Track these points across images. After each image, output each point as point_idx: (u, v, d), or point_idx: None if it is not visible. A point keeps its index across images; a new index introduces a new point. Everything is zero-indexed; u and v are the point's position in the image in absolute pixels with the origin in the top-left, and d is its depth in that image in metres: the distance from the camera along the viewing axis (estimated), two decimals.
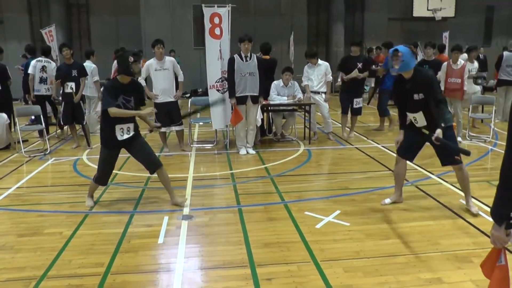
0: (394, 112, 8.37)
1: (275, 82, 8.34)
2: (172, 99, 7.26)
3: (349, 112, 8.77)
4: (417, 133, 4.69)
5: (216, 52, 6.92)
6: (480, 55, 16.55)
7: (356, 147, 7.89)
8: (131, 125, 4.74)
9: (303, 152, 7.56)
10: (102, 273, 3.44)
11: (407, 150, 4.87)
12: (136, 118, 4.80)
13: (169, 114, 7.20)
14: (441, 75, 8.23)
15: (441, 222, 4.47)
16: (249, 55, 7.11)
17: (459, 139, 8.07)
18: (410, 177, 6.03)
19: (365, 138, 8.70)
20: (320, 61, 8.56)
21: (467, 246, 3.91)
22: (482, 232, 4.21)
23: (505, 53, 11.20)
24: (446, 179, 5.92)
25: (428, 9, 18.20)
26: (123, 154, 5.01)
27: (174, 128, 7.39)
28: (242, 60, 7.07)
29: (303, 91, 8.45)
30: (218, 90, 7.04)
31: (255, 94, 7.21)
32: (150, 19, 16.68)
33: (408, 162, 5.07)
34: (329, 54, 18.41)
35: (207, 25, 6.84)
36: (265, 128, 8.85)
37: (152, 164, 4.82)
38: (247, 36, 7.04)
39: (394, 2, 18.75)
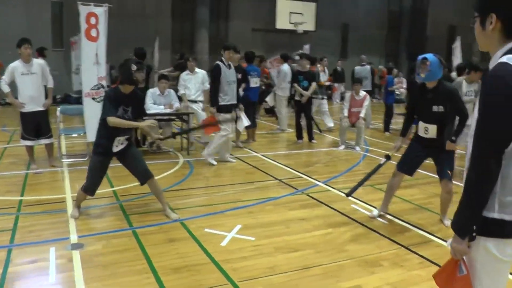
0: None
1: (150, 90, 7.91)
2: (41, 108, 6.36)
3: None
4: (422, 147, 4.63)
5: (93, 56, 6.25)
6: (338, 68, 18.10)
7: (236, 157, 7.83)
8: (126, 136, 4.65)
9: (184, 164, 7.25)
10: None
11: (411, 166, 4.75)
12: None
13: (37, 125, 6.30)
14: (345, 104, 8.99)
15: (341, 229, 4.60)
16: (231, 64, 7.20)
17: (357, 148, 8.70)
18: (299, 185, 6.16)
19: (244, 148, 8.68)
20: (197, 69, 8.37)
21: (372, 251, 4.07)
22: (382, 235, 4.44)
23: (357, 67, 12.40)
24: (333, 185, 6.17)
25: (290, 22, 19.24)
26: None
27: (43, 141, 6.48)
28: (227, 67, 7.06)
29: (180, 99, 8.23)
30: (94, 99, 6.36)
31: (235, 102, 7.31)
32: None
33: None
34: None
35: (83, 26, 6.14)
36: (139, 138, 8.32)
37: (143, 174, 4.72)
38: (232, 44, 7.21)
39: (258, 14, 19.43)
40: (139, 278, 3.44)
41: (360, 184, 4.79)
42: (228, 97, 7.11)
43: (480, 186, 1.79)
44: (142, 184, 4.78)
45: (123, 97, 4.53)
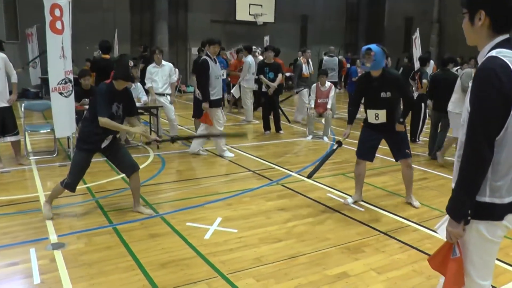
0: None
1: None
2: (6, 104, 6.09)
3: None
4: (374, 133, 4.92)
5: (58, 50, 6.02)
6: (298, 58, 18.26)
7: (206, 149, 7.82)
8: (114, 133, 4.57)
9: (155, 159, 7.17)
10: None
11: (368, 152, 5.03)
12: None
13: (2, 122, 6.04)
14: (311, 95, 9.09)
15: (320, 217, 4.71)
16: (215, 57, 7.18)
17: (325, 138, 8.86)
18: (273, 176, 6.24)
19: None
20: (164, 62, 8.28)
21: (353, 237, 4.19)
22: (360, 222, 4.57)
23: (325, 57, 12.54)
24: (306, 175, 6.27)
25: (250, 14, 19.22)
26: None
27: (9, 139, 6.21)
28: (213, 62, 7.06)
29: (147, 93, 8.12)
30: (61, 93, 6.14)
31: (221, 96, 7.42)
32: None
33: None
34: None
35: (48, 18, 5.89)
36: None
37: (130, 167, 4.66)
38: (217, 39, 7.17)
39: (217, 5, 19.30)
40: (127, 275, 3.40)
41: (318, 167, 5.01)
42: (216, 91, 7.10)
43: (474, 172, 1.91)
44: (128, 176, 4.70)
45: (117, 94, 4.40)
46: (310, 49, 20.85)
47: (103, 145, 4.51)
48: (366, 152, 5.04)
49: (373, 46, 4.60)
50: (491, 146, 1.89)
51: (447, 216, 2.07)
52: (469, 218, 1.97)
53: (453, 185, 2.05)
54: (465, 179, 1.94)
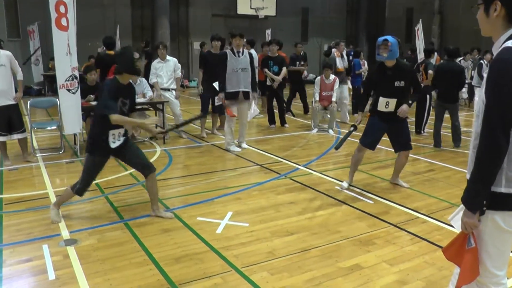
0: None
1: None
2: (12, 102, 6.09)
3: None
4: (381, 123, 5.12)
5: (64, 46, 6.01)
6: (301, 52, 18.18)
7: (212, 144, 7.82)
8: (122, 130, 4.30)
9: (162, 154, 7.18)
10: None
11: (372, 141, 5.25)
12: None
13: (9, 119, 6.04)
14: (316, 88, 9.05)
15: (330, 210, 4.72)
16: (241, 50, 7.10)
17: (331, 131, 8.86)
18: (280, 169, 6.24)
19: (219, 134, 8.65)
20: (168, 57, 8.26)
21: (364, 230, 4.20)
22: (370, 214, 4.58)
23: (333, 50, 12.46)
24: (314, 168, 6.29)
25: (251, 8, 19.14)
26: None
27: (16, 136, 6.21)
28: (235, 55, 7.02)
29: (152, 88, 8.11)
30: (69, 90, 6.13)
31: (247, 90, 7.18)
32: None
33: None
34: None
35: (53, 15, 5.88)
36: None
37: (147, 167, 4.44)
38: (238, 31, 7.17)
39: None
40: (142, 271, 3.41)
41: (344, 140, 5.22)
42: (233, 83, 7.08)
43: (490, 162, 1.91)
44: (146, 177, 4.45)
45: (122, 88, 4.20)
46: (310, 41, 20.68)
47: (114, 145, 4.25)
48: (371, 141, 5.24)
49: (389, 37, 4.85)
50: (507, 136, 1.89)
51: (461, 207, 2.08)
52: (484, 208, 1.98)
53: (468, 175, 2.06)
54: (480, 169, 1.94)
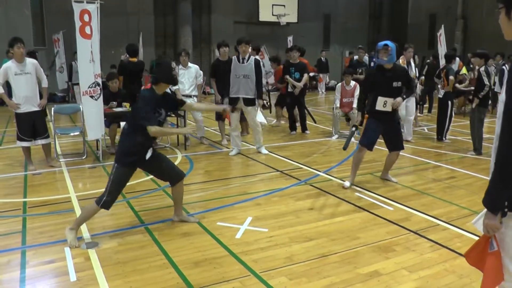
0: None
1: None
2: (37, 108, 6.25)
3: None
4: (378, 124, 5.48)
5: (88, 54, 6.16)
6: (322, 58, 18.17)
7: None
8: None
9: (183, 160, 7.24)
10: None
11: (371, 142, 5.57)
12: None
13: (33, 125, 6.20)
14: (336, 95, 9.10)
15: (350, 217, 4.69)
16: (246, 57, 7.22)
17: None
18: (300, 176, 6.23)
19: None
20: (190, 64, 8.35)
21: (383, 236, 4.16)
22: (390, 221, 4.53)
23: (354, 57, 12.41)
24: (334, 175, 6.26)
25: (273, 14, 19.25)
26: None
27: (40, 142, 6.37)
28: (239, 61, 7.22)
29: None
30: (92, 97, 6.28)
31: (249, 96, 7.26)
32: None
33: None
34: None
35: (77, 24, 6.04)
36: None
37: (176, 175, 4.39)
38: (244, 38, 7.32)
39: (240, 7, 19.40)
40: (161, 274, 3.45)
41: (348, 140, 5.76)
42: (234, 90, 7.25)
43: (511, 163, 1.87)
44: (174, 184, 4.40)
45: (158, 99, 4.12)
46: (333, 48, 20.54)
47: (147, 156, 4.13)
48: (370, 142, 5.56)
49: (389, 42, 5.29)
50: None
51: (484, 210, 2.04)
52: (506, 210, 1.94)
53: (490, 177, 2.02)
54: (501, 170, 1.91)
